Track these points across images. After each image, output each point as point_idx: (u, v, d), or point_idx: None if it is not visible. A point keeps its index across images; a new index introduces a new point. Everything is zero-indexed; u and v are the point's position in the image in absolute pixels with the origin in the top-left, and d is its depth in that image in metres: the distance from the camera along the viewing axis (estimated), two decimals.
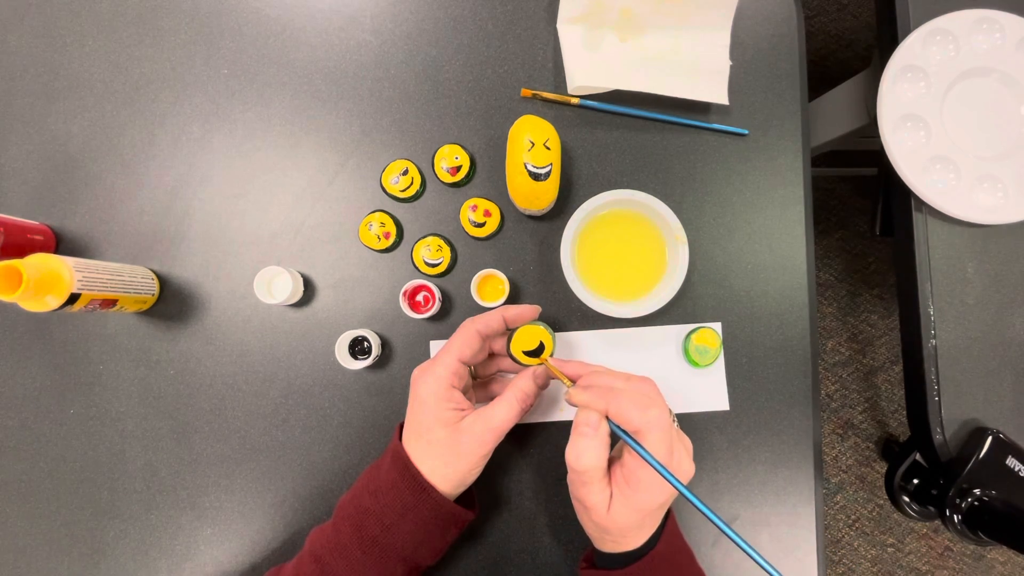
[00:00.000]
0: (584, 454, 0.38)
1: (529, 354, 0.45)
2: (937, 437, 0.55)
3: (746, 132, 0.55)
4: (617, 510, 0.38)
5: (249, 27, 0.55)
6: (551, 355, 0.45)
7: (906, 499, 0.82)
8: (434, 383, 0.42)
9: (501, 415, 0.42)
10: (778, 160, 0.55)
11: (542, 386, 0.45)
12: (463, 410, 0.43)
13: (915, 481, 0.82)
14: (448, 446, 0.41)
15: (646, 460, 0.37)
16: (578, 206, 0.49)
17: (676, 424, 0.41)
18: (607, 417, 0.39)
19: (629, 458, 0.39)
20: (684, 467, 0.39)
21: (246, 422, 0.52)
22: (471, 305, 0.53)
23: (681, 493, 0.37)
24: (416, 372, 0.44)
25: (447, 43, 0.55)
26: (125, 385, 0.52)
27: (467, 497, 0.46)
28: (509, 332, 0.45)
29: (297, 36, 0.55)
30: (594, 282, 0.51)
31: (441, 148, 0.53)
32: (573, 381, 0.43)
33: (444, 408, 0.42)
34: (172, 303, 0.53)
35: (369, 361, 0.50)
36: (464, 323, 0.44)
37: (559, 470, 0.52)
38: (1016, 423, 0.55)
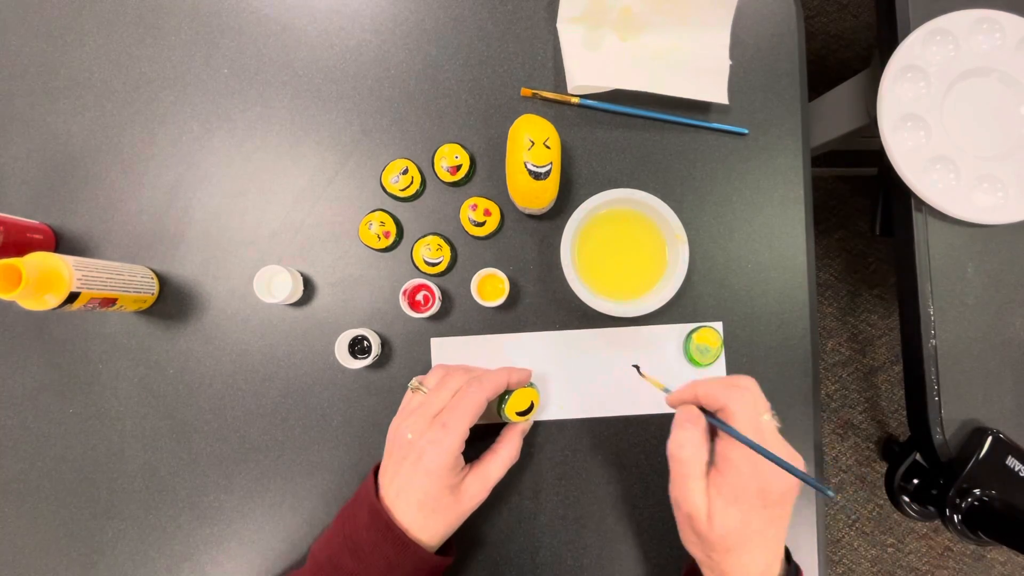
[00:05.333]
0: (685, 444, 0.39)
1: (520, 413, 0.48)
2: (937, 437, 0.55)
3: (746, 132, 0.55)
4: (717, 514, 0.38)
5: (249, 27, 0.55)
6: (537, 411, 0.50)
7: (906, 499, 0.82)
8: (447, 456, 0.42)
9: (497, 473, 0.46)
10: (778, 160, 0.55)
11: (525, 436, 0.50)
12: (463, 469, 0.45)
13: (915, 481, 0.82)
14: (450, 508, 0.43)
15: (731, 435, 0.38)
16: (578, 205, 0.49)
17: (776, 422, 0.41)
18: (704, 412, 0.40)
19: (722, 445, 0.39)
20: (788, 452, 0.40)
21: (245, 422, 0.52)
22: (471, 304, 0.53)
23: (776, 462, 0.37)
24: (424, 443, 0.42)
25: (447, 43, 0.55)
26: (124, 384, 0.52)
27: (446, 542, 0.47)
28: (503, 394, 0.48)
29: (297, 36, 0.55)
30: (594, 281, 0.51)
31: (441, 147, 0.53)
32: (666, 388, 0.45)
33: (453, 476, 0.43)
34: (172, 302, 0.53)
35: (369, 360, 0.50)
36: (471, 389, 0.44)
37: (559, 469, 0.52)
38: (1016, 423, 0.55)
